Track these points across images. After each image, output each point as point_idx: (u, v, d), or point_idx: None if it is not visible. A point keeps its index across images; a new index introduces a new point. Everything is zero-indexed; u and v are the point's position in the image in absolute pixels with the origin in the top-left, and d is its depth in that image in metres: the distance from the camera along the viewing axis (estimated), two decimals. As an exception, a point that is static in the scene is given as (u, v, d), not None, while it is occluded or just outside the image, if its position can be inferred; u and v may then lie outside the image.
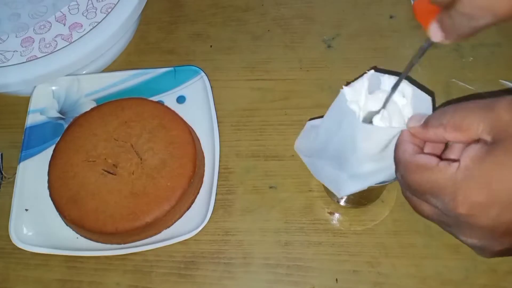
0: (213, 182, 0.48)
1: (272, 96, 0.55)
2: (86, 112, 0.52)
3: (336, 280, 0.45)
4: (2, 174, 0.52)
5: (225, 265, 0.46)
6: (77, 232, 0.48)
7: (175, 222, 0.48)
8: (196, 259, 0.47)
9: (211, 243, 0.47)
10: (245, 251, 0.47)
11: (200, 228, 0.45)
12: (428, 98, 0.34)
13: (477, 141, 0.27)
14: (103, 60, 0.58)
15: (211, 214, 0.46)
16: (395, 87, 0.34)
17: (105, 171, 0.47)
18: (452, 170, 0.26)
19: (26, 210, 0.48)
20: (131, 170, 0.47)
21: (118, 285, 0.46)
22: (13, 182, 0.49)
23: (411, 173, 0.29)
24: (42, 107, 0.54)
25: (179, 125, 0.50)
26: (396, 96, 0.34)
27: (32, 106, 0.54)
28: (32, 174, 0.50)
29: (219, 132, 0.51)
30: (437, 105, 0.50)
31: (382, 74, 0.36)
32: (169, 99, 0.54)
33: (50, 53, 0.54)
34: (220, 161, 0.49)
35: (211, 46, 0.59)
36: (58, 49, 0.54)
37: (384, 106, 0.34)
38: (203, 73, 0.54)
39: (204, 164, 0.50)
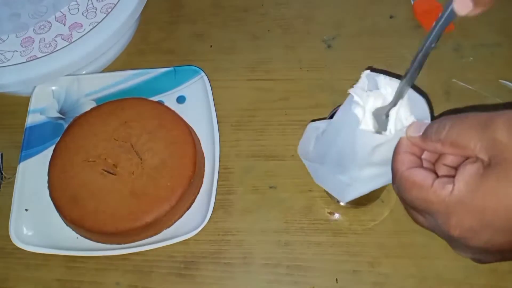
0: (213, 182, 0.48)
1: (272, 96, 0.55)
2: (86, 112, 0.52)
3: (336, 280, 0.45)
4: (2, 174, 0.52)
5: (225, 265, 0.46)
6: (77, 232, 0.48)
7: (175, 222, 0.48)
8: (196, 259, 0.47)
9: (211, 243, 0.47)
10: (245, 251, 0.47)
11: (200, 228, 0.45)
12: (421, 99, 0.34)
13: (475, 159, 0.27)
14: (103, 60, 0.58)
15: (211, 214, 0.46)
16: (409, 79, 0.33)
17: (105, 171, 0.47)
18: (445, 193, 0.26)
19: (26, 210, 0.48)
20: (131, 170, 0.47)
21: (118, 285, 0.46)
22: (13, 182, 0.49)
23: (406, 189, 0.29)
24: (42, 107, 0.54)
25: (179, 125, 0.50)
26: (389, 95, 0.35)
27: (32, 106, 0.54)
28: (32, 174, 0.50)
29: (219, 132, 0.51)
30: (437, 106, 0.49)
31: (378, 74, 0.35)
32: (169, 99, 0.54)
33: (50, 53, 0.54)
34: (220, 161, 0.49)
35: (211, 46, 0.59)
36: (58, 49, 0.54)
37: (395, 103, 0.34)
38: (203, 73, 0.54)
39: (204, 164, 0.50)
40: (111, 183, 0.47)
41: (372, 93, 0.35)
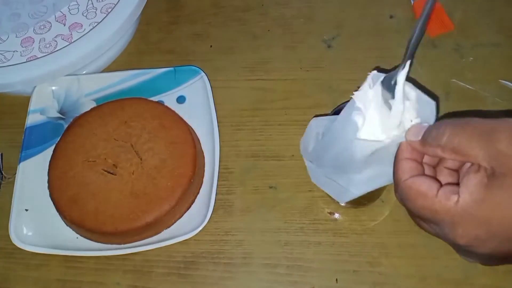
0: (213, 182, 0.48)
1: (272, 96, 0.55)
2: (86, 112, 0.52)
3: (336, 280, 0.45)
4: (2, 174, 0.52)
5: (225, 265, 0.46)
6: (77, 232, 0.48)
7: (175, 222, 0.48)
8: (196, 259, 0.47)
9: (211, 243, 0.47)
10: (245, 251, 0.47)
11: (200, 228, 0.45)
12: (432, 103, 0.32)
13: (477, 166, 0.27)
14: (103, 60, 0.58)
15: (211, 214, 0.46)
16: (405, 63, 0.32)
17: (105, 171, 0.47)
18: (451, 203, 0.26)
19: (26, 210, 0.48)
20: (131, 170, 0.47)
21: (118, 285, 0.46)
22: (13, 182, 0.49)
23: (410, 199, 0.29)
24: (42, 107, 0.54)
25: (179, 125, 0.50)
26: (397, 97, 0.33)
27: (32, 106, 0.54)
28: (32, 174, 0.50)
29: (219, 132, 0.51)
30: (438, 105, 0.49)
31: (384, 74, 0.35)
32: (169, 99, 0.54)
33: (50, 53, 0.54)
34: (220, 161, 0.49)
35: (211, 46, 0.59)
36: (58, 49, 0.54)
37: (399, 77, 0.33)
38: (203, 73, 0.54)
39: (204, 164, 0.50)
40: (111, 183, 0.47)
41: (376, 95, 0.34)
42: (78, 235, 0.48)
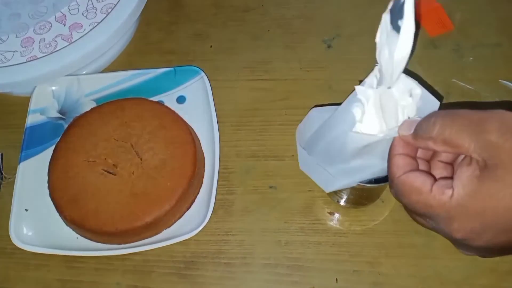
0: (213, 182, 0.48)
1: (272, 96, 0.55)
2: (86, 112, 0.52)
3: (336, 280, 0.45)
4: (2, 174, 0.52)
5: (225, 265, 0.46)
6: (77, 232, 0.48)
7: (175, 222, 0.48)
8: (196, 259, 0.47)
9: (211, 243, 0.47)
10: (245, 251, 0.47)
11: (200, 228, 0.45)
12: (436, 103, 0.32)
13: (469, 159, 0.27)
14: (103, 60, 0.58)
15: (211, 214, 0.46)
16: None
17: (105, 171, 0.47)
18: (445, 198, 0.26)
19: (26, 210, 0.48)
20: (131, 170, 0.47)
21: (118, 285, 0.46)
22: (13, 182, 0.49)
23: (405, 194, 0.29)
24: (42, 107, 0.54)
25: (179, 125, 0.50)
26: (400, 93, 0.33)
27: (32, 106, 0.54)
28: (32, 174, 0.50)
29: (219, 132, 0.51)
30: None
31: None
32: (169, 99, 0.54)
33: (50, 53, 0.54)
34: (220, 161, 0.49)
35: (211, 46, 0.59)
36: (58, 49, 0.54)
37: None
38: (203, 73, 0.54)
39: (204, 164, 0.50)
40: (111, 183, 0.47)
41: (380, 91, 0.34)
42: (78, 235, 0.48)
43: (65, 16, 0.57)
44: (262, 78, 0.56)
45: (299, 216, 0.48)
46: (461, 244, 0.28)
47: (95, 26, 0.55)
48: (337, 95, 0.54)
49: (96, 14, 0.56)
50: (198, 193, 0.49)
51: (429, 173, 0.30)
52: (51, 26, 0.56)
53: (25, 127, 0.52)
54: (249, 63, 0.58)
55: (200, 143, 0.51)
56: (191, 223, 0.47)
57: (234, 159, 0.51)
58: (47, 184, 0.49)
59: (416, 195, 0.28)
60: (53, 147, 0.50)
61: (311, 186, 0.49)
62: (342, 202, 0.48)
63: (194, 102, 0.54)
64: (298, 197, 0.49)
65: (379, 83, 0.34)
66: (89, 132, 0.50)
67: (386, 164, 0.33)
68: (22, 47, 0.55)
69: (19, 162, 0.50)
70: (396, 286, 0.44)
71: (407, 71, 0.34)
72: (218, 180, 0.48)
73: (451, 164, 0.31)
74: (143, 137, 0.49)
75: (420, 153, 0.32)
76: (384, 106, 0.33)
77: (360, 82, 0.35)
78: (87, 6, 0.57)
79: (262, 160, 0.51)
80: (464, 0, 0.59)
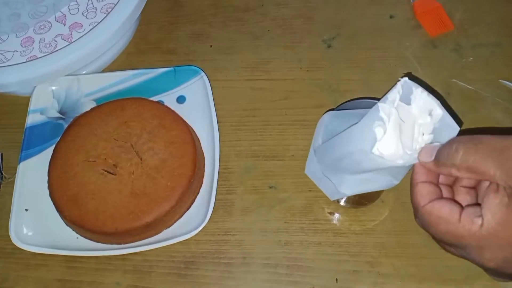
0: (213, 182, 0.48)
1: (272, 96, 0.55)
2: (86, 112, 0.52)
3: (336, 280, 0.45)
4: (2, 174, 0.52)
5: (225, 265, 0.46)
6: (77, 232, 0.48)
7: (175, 222, 0.48)
8: (196, 259, 0.47)
9: (211, 243, 0.47)
10: (245, 251, 0.47)
11: (200, 228, 0.45)
12: (455, 129, 0.31)
13: (496, 186, 0.27)
14: (103, 60, 0.58)
15: (211, 214, 0.46)
16: None
17: (105, 171, 0.47)
18: (475, 227, 0.26)
19: (26, 210, 0.48)
20: (131, 170, 0.47)
21: (118, 285, 0.46)
22: (13, 182, 0.49)
23: (433, 224, 0.29)
24: (42, 107, 0.54)
25: (179, 125, 0.50)
26: (420, 111, 0.32)
27: (32, 106, 0.54)
28: (32, 174, 0.50)
29: (219, 132, 0.51)
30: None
31: (417, 85, 0.33)
32: (169, 99, 0.54)
33: (50, 53, 0.54)
34: (220, 161, 0.49)
35: (211, 46, 0.59)
36: (58, 49, 0.54)
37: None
38: (203, 73, 0.54)
39: (204, 164, 0.50)
40: (111, 183, 0.47)
41: (399, 107, 0.32)
42: (78, 235, 0.48)
43: (65, 16, 0.57)
44: (262, 78, 0.56)
45: (299, 216, 0.48)
46: (494, 273, 0.28)
47: (95, 26, 0.55)
48: (337, 95, 0.54)
49: (96, 14, 0.56)
50: (198, 193, 0.49)
51: (454, 200, 0.30)
52: (51, 26, 0.56)
53: (25, 127, 0.52)
54: (249, 63, 0.58)
55: (200, 143, 0.51)
56: (191, 223, 0.47)
57: (234, 159, 0.51)
58: (47, 184, 0.49)
59: (444, 226, 0.28)
60: (53, 147, 0.50)
61: (311, 186, 0.49)
62: (342, 202, 0.48)
63: (194, 102, 0.54)
64: (298, 197, 0.49)
65: (401, 99, 0.33)
66: (89, 132, 0.50)
67: (393, 181, 0.33)
68: (22, 47, 0.55)
69: (19, 162, 0.50)
70: (396, 286, 0.44)
71: (417, 80, 0.33)
72: (218, 180, 0.48)
73: (474, 188, 0.31)
74: (143, 137, 0.49)
75: (441, 178, 0.32)
76: (402, 123, 0.32)
77: (380, 98, 0.33)
78: (87, 6, 0.57)
79: (262, 160, 0.51)
80: (464, 0, 0.59)
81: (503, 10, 0.58)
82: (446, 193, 0.31)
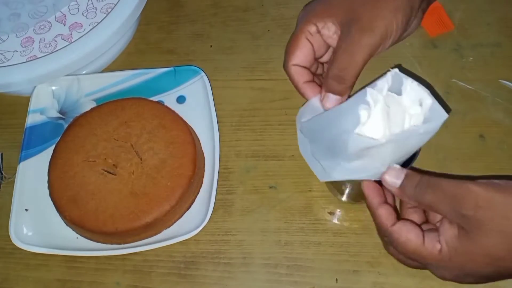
0: (213, 182, 0.48)
1: (272, 96, 0.55)
2: (86, 112, 0.52)
3: (336, 280, 0.45)
4: (2, 174, 0.52)
5: (225, 265, 0.46)
6: (77, 232, 0.48)
7: (175, 222, 0.48)
8: (196, 259, 0.47)
9: (211, 243, 0.47)
10: (245, 251, 0.47)
11: (200, 228, 0.45)
12: (443, 116, 0.32)
13: (450, 221, 0.33)
14: (103, 60, 0.58)
15: (211, 214, 0.46)
16: None
17: (105, 171, 0.47)
18: (436, 251, 0.33)
19: (26, 210, 0.48)
20: (131, 170, 0.47)
21: (118, 285, 0.46)
22: (13, 182, 0.49)
23: (400, 244, 0.34)
24: (42, 107, 0.54)
25: (179, 125, 0.50)
26: (410, 101, 0.33)
27: (32, 106, 0.54)
28: (32, 174, 0.50)
29: (219, 132, 0.51)
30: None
31: (406, 76, 0.33)
32: (169, 99, 0.54)
33: (50, 53, 0.54)
34: (220, 161, 0.49)
35: (211, 46, 0.59)
36: (58, 49, 0.54)
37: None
38: (203, 73, 0.54)
39: (204, 164, 0.50)
40: (111, 183, 0.47)
41: (389, 97, 0.33)
42: (78, 235, 0.48)
43: (65, 16, 0.57)
44: (262, 78, 0.56)
45: (299, 216, 0.48)
46: (452, 282, 0.35)
47: (95, 26, 0.55)
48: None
49: (96, 14, 0.56)
50: (198, 193, 0.49)
51: (415, 223, 0.35)
52: (51, 26, 0.56)
53: (25, 127, 0.52)
54: (249, 63, 0.58)
55: (200, 143, 0.51)
56: (191, 223, 0.47)
57: (234, 159, 0.51)
58: (47, 184, 0.49)
59: (411, 246, 0.34)
60: (53, 147, 0.50)
61: (311, 186, 0.49)
62: (343, 198, 0.48)
63: (194, 102, 0.54)
64: (298, 197, 0.49)
65: (390, 89, 0.33)
66: (89, 132, 0.50)
67: (381, 168, 0.35)
68: (22, 47, 0.55)
69: (19, 162, 0.50)
70: (396, 286, 0.44)
71: (407, 71, 0.34)
72: (218, 180, 0.48)
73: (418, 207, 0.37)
74: (143, 137, 0.49)
75: (389, 199, 0.37)
76: (391, 112, 0.33)
77: (371, 82, 0.34)
78: (87, 6, 0.57)
79: (262, 160, 0.51)
80: (464, 0, 0.59)
81: (503, 10, 0.58)
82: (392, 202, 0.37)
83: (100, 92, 0.55)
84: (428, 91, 0.33)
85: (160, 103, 0.53)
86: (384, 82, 0.34)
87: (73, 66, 0.54)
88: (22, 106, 0.55)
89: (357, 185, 0.43)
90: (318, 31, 0.39)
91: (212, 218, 0.46)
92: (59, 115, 0.54)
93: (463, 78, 0.54)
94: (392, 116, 0.33)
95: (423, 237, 0.34)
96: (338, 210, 0.48)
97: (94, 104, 0.54)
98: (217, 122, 0.51)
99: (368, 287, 0.44)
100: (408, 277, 0.44)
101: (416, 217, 0.37)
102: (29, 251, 0.46)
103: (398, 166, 0.35)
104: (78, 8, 0.57)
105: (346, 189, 0.46)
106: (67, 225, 0.48)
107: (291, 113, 0.54)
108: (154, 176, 0.47)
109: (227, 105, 0.54)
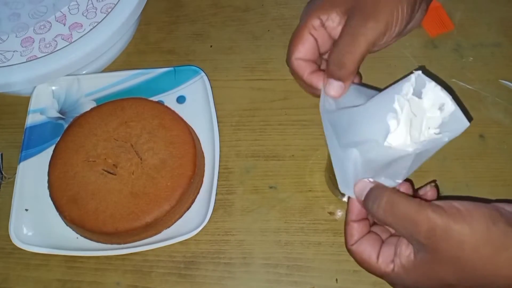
0: (213, 182, 0.48)
1: (272, 96, 0.55)
2: (86, 112, 0.52)
3: (336, 280, 0.45)
4: (2, 174, 0.52)
5: (225, 265, 0.46)
6: (77, 232, 0.48)
7: (175, 222, 0.48)
8: (196, 259, 0.47)
9: (211, 243, 0.47)
10: (245, 251, 0.47)
11: (200, 228, 0.45)
12: (465, 124, 0.32)
13: (407, 242, 0.34)
14: (103, 60, 0.58)
15: (211, 214, 0.46)
16: None
17: (105, 171, 0.47)
18: (388, 270, 0.35)
19: (26, 210, 0.48)
20: (131, 170, 0.47)
21: (118, 285, 0.46)
22: (13, 182, 0.49)
23: (357, 261, 0.37)
24: (42, 107, 0.54)
25: (179, 125, 0.50)
26: (430, 105, 0.32)
27: (32, 106, 0.54)
28: (32, 174, 0.50)
29: (219, 132, 0.51)
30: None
31: (429, 79, 0.33)
32: (169, 99, 0.54)
33: (50, 53, 0.54)
34: (220, 161, 0.49)
35: (211, 46, 0.59)
36: (58, 49, 0.54)
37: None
38: (203, 73, 0.54)
39: (204, 164, 0.50)
40: (111, 183, 0.47)
41: (411, 100, 0.32)
42: (78, 235, 0.48)
43: (65, 16, 0.57)
44: (262, 78, 0.56)
45: (299, 216, 0.48)
46: None
47: (95, 26, 0.55)
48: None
49: (96, 14, 0.56)
50: (198, 193, 0.49)
51: (374, 236, 0.37)
52: (51, 26, 0.56)
53: (25, 127, 0.52)
54: (249, 63, 0.58)
55: (200, 143, 0.51)
56: (191, 223, 0.47)
57: (234, 159, 0.51)
58: (47, 184, 0.49)
59: (366, 264, 0.36)
60: (53, 147, 0.50)
61: (311, 186, 0.49)
62: (343, 198, 0.48)
63: (194, 102, 0.54)
64: (298, 197, 0.49)
65: (414, 93, 0.33)
66: (89, 132, 0.50)
67: (393, 183, 0.35)
68: (22, 47, 0.55)
69: (19, 162, 0.50)
70: (396, 286, 0.44)
71: (429, 74, 0.33)
72: (218, 180, 0.48)
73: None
74: (143, 137, 0.49)
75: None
76: (412, 116, 0.32)
77: (393, 83, 0.33)
78: (87, 6, 0.57)
79: (262, 160, 0.51)
80: (464, 0, 0.59)
81: (503, 10, 0.58)
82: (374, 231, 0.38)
83: (100, 92, 0.55)
84: (451, 97, 0.32)
85: (160, 103, 0.53)
86: (409, 86, 0.33)
87: (73, 66, 0.54)
88: (22, 106, 0.55)
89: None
90: (322, 25, 0.38)
91: (212, 218, 0.47)
92: (59, 115, 0.54)
93: (463, 78, 0.54)
94: (413, 120, 0.32)
95: (378, 256, 0.35)
96: (338, 210, 0.48)
97: (94, 104, 0.54)
98: (217, 122, 0.51)
99: (368, 287, 0.44)
100: (408, 277, 0.44)
101: (383, 228, 0.38)
102: (29, 251, 0.46)
103: (368, 179, 0.35)
104: (78, 8, 0.57)
105: None
106: (67, 225, 0.48)
107: (291, 113, 0.54)
108: (154, 176, 0.47)
109: (227, 105, 0.54)
